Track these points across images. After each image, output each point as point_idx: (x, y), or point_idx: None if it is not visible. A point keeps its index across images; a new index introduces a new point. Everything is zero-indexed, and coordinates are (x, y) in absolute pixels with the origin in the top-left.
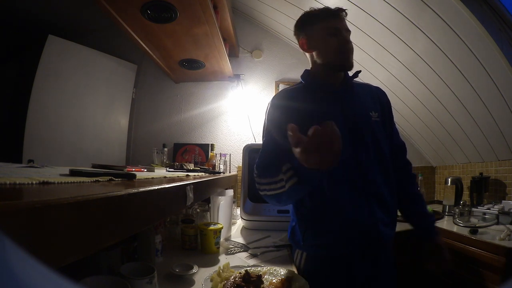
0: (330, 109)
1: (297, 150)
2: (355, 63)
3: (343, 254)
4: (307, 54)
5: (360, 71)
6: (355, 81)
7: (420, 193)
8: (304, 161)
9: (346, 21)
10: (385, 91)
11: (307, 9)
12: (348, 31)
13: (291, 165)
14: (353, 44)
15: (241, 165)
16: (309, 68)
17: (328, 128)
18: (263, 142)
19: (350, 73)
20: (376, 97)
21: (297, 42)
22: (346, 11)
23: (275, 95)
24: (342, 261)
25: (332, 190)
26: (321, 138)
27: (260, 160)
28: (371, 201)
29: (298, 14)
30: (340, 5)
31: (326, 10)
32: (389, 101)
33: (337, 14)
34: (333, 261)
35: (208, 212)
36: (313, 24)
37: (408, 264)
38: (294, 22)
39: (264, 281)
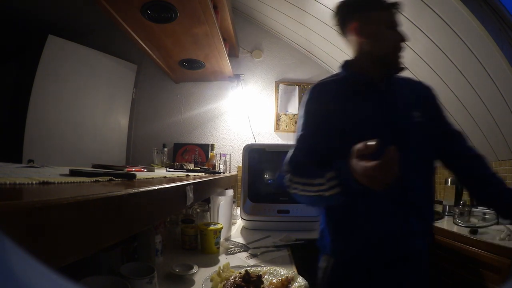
0: (371, 108)
1: (360, 169)
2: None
3: (368, 263)
4: (352, 40)
5: (404, 68)
6: (399, 76)
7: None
8: (364, 180)
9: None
10: (430, 86)
11: (307, 9)
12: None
13: (335, 174)
14: None
15: (241, 165)
16: (349, 59)
17: (392, 154)
18: (298, 137)
19: None
20: (420, 94)
21: (296, 43)
22: (402, 6)
23: (314, 87)
24: (368, 271)
25: (368, 194)
26: (386, 162)
27: (295, 156)
28: (405, 210)
29: (298, 14)
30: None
31: (385, 0)
32: (435, 96)
33: (397, 7)
34: (358, 269)
35: (208, 212)
36: (371, 10)
37: None
38: (294, 22)
39: (264, 281)
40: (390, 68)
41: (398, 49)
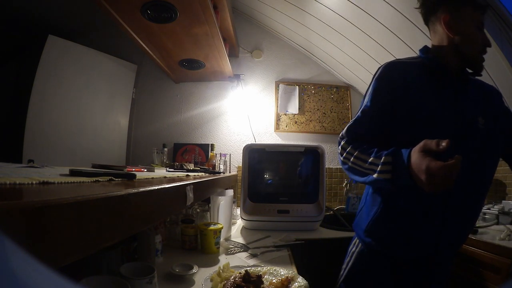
0: (443, 101)
1: (424, 163)
2: (354, 63)
3: (394, 260)
4: (439, 31)
5: (482, 73)
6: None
7: None
8: (419, 181)
9: (346, 22)
10: (498, 90)
11: (307, 9)
12: None
13: (392, 159)
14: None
15: (241, 165)
16: (431, 46)
17: (458, 162)
18: (363, 108)
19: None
20: (489, 100)
21: (296, 43)
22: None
23: (389, 63)
24: (391, 267)
25: (412, 192)
26: (453, 167)
27: (355, 127)
28: (447, 217)
29: (298, 14)
30: (340, 5)
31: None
32: (504, 103)
33: (486, 8)
34: (382, 263)
35: (208, 212)
36: (464, 6)
37: None
38: (294, 22)
39: (264, 281)
40: (472, 69)
41: (484, 52)
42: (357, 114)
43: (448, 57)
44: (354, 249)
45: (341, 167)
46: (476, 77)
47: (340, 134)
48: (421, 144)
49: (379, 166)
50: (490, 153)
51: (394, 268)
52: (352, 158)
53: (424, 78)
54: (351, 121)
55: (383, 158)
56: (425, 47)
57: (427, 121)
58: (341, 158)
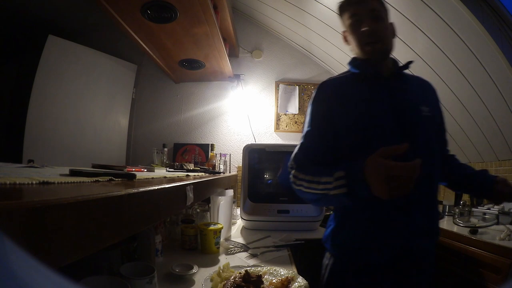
0: (380, 104)
1: (379, 177)
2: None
3: (373, 263)
4: (349, 39)
5: (412, 62)
6: (406, 72)
7: (464, 164)
8: (376, 189)
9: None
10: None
11: (307, 9)
12: (375, 14)
13: (345, 173)
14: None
15: (241, 165)
16: (357, 56)
17: (415, 167)
18: (305, 133)
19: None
20: (427, 91)
21: (296, 43)
22: None
23: (322, 84)
24: (372, 271)
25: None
26: (414, 167)
27: (301, 153)
28: (412, 206)
29: (298, 14)
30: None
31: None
32: (437, 95)
33: (351, 3)
34: (362, 269)
35: (208, 212)
36: (342, 14)
37: None
38: (294, 22)
39: (264, 281)
40: (375, 61)
41: (367, 43)
42: (301, 141)
43: (367, 63)
44: (327, 261)
45: None
46: (412, 74)
47: (289, 164)
48: (378, 151)
49: (333, 183)
50: (436, 132)
51: (368, 276)
52: (305, 183)
53: (358, 87)
54: (296, 149)
55: (335, 174)
56: (353, 58)
57: (370, 125)
58: (295, 187)
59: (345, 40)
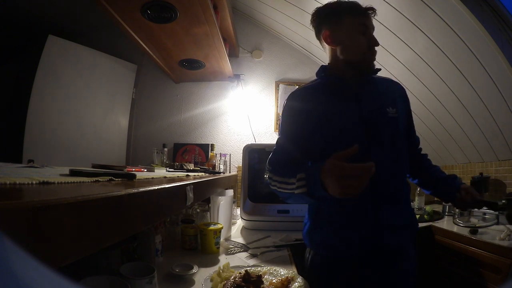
0: (346, 108)
1: (332, 177)
2: None
3: (345, 258)
4: (327, 48)
5: (379, 69)
6: (376, 76)
7: (436, 166)
8: (331, 188)
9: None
10: (400, 83)
11: (307, 9)
12: (373, 30)
13: (305, 175)
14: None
15: (241, 165)
16: (326, 64)
17: (365, 168)
18: (277, 140)
19: None
20: (394, 92)
21: (296, 43)
22: (375, 11)
23: (291, 94)
24: (345, 266)
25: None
26: (360, 175)
27: (274, 157)
28: (381, 203)
29: (298, 14)
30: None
31: (357, 5)
32: (407, 98)
33: (367, 11)
34: (335, 264)
35: (208, 212)
36: (342, 17)
37: None
38: (294, 22)
39: (264, 281)
40: (364, 71)
41: (371, 53)
42: (274, 147)
43: (340, 68)
44: (307, 255)
45: None
46: (380, 76)
47: (266, 167)
48: (334, 154)
49: (296, 184)
50: (404, 133)
51: (341, 270)
52: (278, 184)
53: (325, 94)
54: (271, 154)
55: (297, 175)
56: (321, 67)
57: (336, 128)
58: (271, 187)
59: (329, 40)
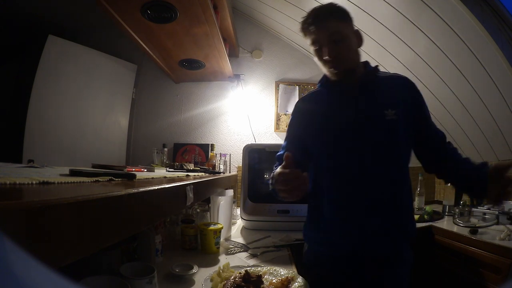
0: (344, 112)
1: (279, 179)
2: None
3: (334, 255)
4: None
5: (377, 68)
6: (380, 73)
7: (464, 157)
8: (279, 190)
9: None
10: (406, 77)
11: (307, 9)
12: (335, 37)
13: (271, 176)
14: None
15: (241, 165)
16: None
17: (293, 175)
18: (286, 138)
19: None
20: (398, 91)
21: (296, 43)
22: (329, 13)
23: (300, 99)
24: (330, 261)
25: (331, 191)
26: (295, 182)
27: (279, 159)
28: (370, 210)
29: (298, 14)
30: (340, 5)
31: (306, 22)
32: (417, 92)
33: (319, 23)
34: (322, 258)
35: (208, 212)
36: (304, 37)
37: None
38: (294, 22)
39: (264, 281)
40: (339, 79)
41: (332, 63)
42: (283, 144)
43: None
44: (305, 249)
45: None
46: (388, 73)
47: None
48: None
49: (270, 182)
50: (401, 139)
51: (330, 265)
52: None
53: (327, 98)
54: (280, 150)
55: (269, 176)
56: (323, 76)
57: (331, 134)
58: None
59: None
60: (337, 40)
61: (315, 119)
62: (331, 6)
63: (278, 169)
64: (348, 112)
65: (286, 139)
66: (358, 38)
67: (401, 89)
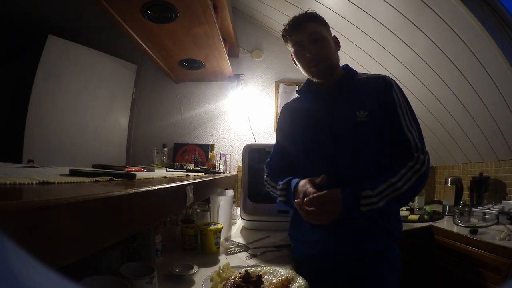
0: (317, 116)
1: (306, 209)
2: (355, 63)
3: (307, 253)
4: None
5: (355, 71)
6: (359, 75)
7: (384, 178)
8: (305, 217)
9: (318, 26)
10: (394, 80)
11: (307, 9)
12: (314, 36)
13: (285, 187)
14: (330, 45)
15: (241, 165)
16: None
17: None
18: (274, 146)
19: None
20: (373, 91)
21: None
22: (313, 17)
23: (283, 106)
24: (309, 259)
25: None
26: (328, 205)
27: (270, 161)
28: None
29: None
30: (339, 5)
31: (290, 24)
32: (392, 92)
33: (298, 26)
34: (302, 255)
35: (208, 212)
36: (287, 41)
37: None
38: None
39: (264, 281)
40: (321, 80)
41: (312, 66)
42: (271, 152)
43: (313, 81)
44: (292, 247)
45: None
46: (367, 74)
47: (264, 169)
48: (308, 178)
49: (279, 192)
50: (371, 141)
51: (309, 262)
52: (270, 187)
53: (307, 104)
54: (268, 159)
55: (280, 186)
56: (303, 83)
57: (308, 137)
58: (267, 189)
59: (294, 62)
60: (316, 39)
61: (295, 125)
62: (309, 12)
63: (308, 188)
64: (322, 113)
65: (276, 144)
66: (336, 43)
67: (375, 91)
